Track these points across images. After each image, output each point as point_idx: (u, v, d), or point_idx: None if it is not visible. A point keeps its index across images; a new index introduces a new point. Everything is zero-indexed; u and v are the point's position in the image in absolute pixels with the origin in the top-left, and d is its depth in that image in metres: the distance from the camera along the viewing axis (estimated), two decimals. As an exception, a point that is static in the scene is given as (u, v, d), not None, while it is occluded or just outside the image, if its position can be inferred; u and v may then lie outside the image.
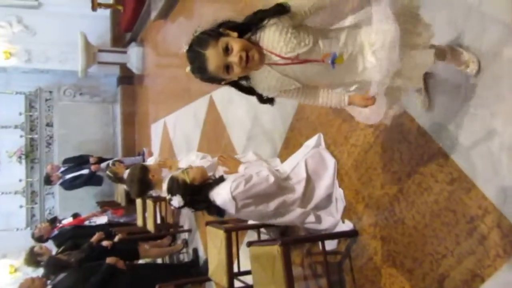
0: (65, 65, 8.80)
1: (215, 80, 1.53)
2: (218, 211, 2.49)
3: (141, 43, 8.78)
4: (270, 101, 1.64)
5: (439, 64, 1.83)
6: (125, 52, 8.92)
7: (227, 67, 1.46)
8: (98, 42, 8.90)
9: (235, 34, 1.46)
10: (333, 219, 2.51)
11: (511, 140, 1.61)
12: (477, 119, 1.75)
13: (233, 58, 1.43)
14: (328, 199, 2.57)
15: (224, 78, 1.51)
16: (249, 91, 1.62)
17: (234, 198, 2.41)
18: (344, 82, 1.65)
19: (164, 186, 2.68)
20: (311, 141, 2.75)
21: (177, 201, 2.49)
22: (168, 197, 2.53)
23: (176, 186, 2.51)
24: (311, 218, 2.50)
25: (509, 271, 1.63)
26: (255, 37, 1.49)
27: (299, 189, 2.52)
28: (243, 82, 1.60)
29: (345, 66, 1.53)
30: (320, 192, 2.55)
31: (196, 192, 2.52)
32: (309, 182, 2.55)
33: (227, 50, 1.43)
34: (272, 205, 2.50)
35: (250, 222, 3.08)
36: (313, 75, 1.55)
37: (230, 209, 2.45)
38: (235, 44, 1.43)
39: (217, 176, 2.70)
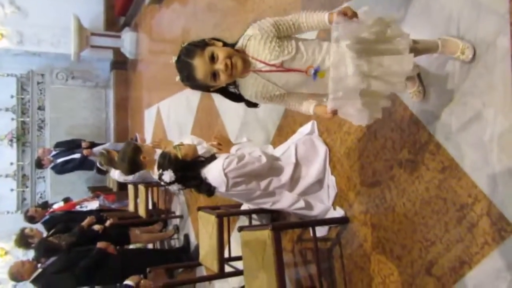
0: (58, 48, 8.70)
1: (204, 88, 1.63)
2: (208, 189, 2.49)
3: (135, 28, 8.68)
4: (256, 104, 1.77)
5: (432, 54, 1.84)
6: (118, 37, 8.80)
7: (214, 75, 1.55)
8: (91, 26, 8.78)
9: (220, 43, 1.57)
10: (324, 206, 2.52)
11: (501, 129, 1.63)
12: (469, 108, 1.76)
13: (219, 66, 1.53)
14: (318, 186, 2.58)
15: (212, 85, 1.60)
16: (237, 97, 1.73)
17: (226, 175, 2.42)
18: (327, 92, 1.67)
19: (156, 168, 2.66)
20: (305, 128, 2.76)
21: (168, 176, 2.45)
22: (159, 172, 2.51)
23: (168, 161, 2.49)
24: (301, 203, 2.51)
25: (497, 259, 1.65)
26: (241, 45, 1.58)
27: (288, 171, 2.53)
28: (232, 89, 1.71)
29: (328, 77, 1.59)
30: (308, 178, 2.55)
31: (188, 168, 2.51)
32: (297, 167, 2.55)
33: (213, 59, 1.53)
34: (262, 184, 2.51)
35: (243, 207, 3.10)
36: (296, 84, 1.64)
37: (221, 186, 2.45)
38: (220, 52, 1.53)
39: None
